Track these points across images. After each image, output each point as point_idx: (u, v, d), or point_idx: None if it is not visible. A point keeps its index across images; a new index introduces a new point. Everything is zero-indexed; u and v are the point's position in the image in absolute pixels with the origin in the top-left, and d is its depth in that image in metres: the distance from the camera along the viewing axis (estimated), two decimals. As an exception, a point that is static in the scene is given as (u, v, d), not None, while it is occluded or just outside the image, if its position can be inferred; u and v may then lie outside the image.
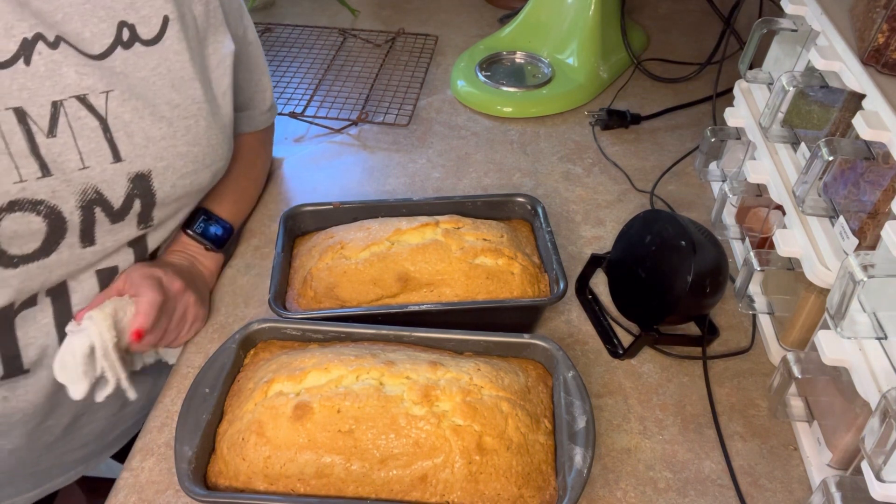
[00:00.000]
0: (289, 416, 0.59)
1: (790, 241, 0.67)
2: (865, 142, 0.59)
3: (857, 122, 0.58)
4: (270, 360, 0.66)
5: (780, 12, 0.77)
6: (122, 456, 0.69)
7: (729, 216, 0.85)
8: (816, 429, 0.65)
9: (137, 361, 0.77)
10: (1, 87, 0.59)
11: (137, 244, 0.73)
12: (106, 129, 0.64)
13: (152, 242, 0.75)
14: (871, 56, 0.60)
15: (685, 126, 1.09)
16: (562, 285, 0.72)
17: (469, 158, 1.02)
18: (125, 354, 0.70)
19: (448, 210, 0.82)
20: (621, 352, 0.76)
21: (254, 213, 0.93)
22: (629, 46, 1.19)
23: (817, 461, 0.65)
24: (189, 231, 0.79)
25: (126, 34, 0.65)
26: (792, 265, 0.69)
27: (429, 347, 0.68)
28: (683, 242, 0.70)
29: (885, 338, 0.55)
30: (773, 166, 0.73)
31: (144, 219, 0.70)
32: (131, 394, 0.70)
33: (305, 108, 1.10)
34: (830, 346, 0.57)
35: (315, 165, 1.01)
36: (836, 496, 0.54)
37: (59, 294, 0.70)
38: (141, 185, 0.67)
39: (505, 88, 1.12)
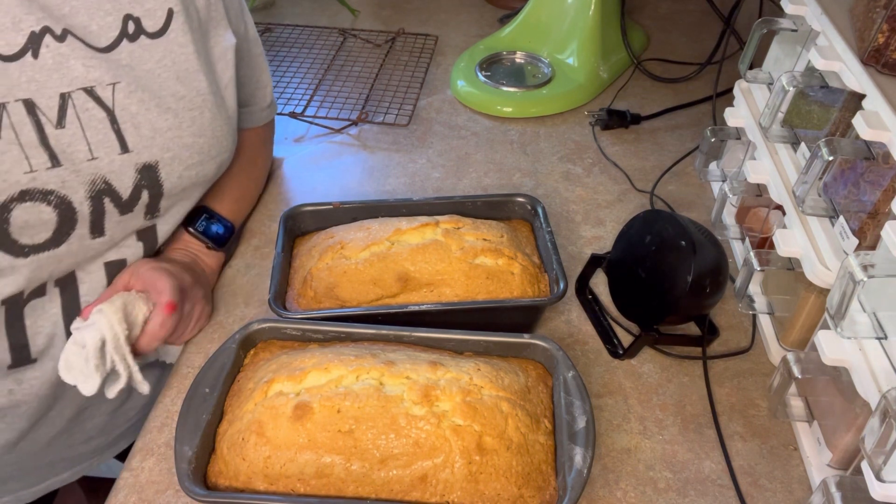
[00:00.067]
0: (289, 416, 0.59)
1: (790, 241, 0.67)
2: (865, 142, 0.59)
3: (857, 122, 0.58)
4: (270, 360, 0.66)
5: (780, 12, 0.77)
6: (124, 456, 0.69)
7: (729, 216, 0.85)
8: (816, 429, 0.65)
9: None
10: (9, 80, 0.60)
11: (146, 237, 0.74)
12: (113, 121, 0.65)
13: (161, 235, 0.76)
14: (871, 56, 0.60)
15: (685, 126, 1.09)
16: (562, 285, 0.72)
17: (469, 158, 1.02)
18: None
19: (448, 210, 0.82)
20: (621, 352, 0.76)
21: (254, 213, 0.93)
22: (629, 46, 1.19)
23: (817, 461, 0.65)
24: (191, 229, 0.79)
25: (132, 27, 0.66)
26: (792, 265, 0.69)
27: (429, 347, 0.68)
28: (683, 242, 0.70)
29: (885, 338, 0.55)
30: (773, 166, 0.73)
31: (152, 209, 0.71)
32: (144, 388, 0.69)
33: (305, 108, 1.10)
34: (830, 346, 0.57)
35: (315, 165, 1.01)
36: (836, 496, 0.54)
37: (67, 284, 0.71)
38: (148, 176, 0.69)
39: (505, 88, 1.12)
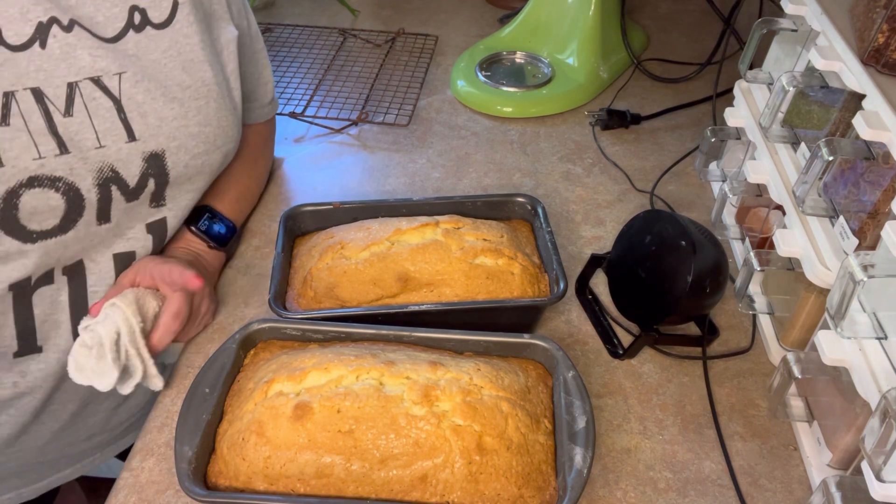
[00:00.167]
0: (289, 416, 0.59)
1: (790, 241, 0.67)
2: (865, 142, 0.59)
3: (857, 122, 0.58)
4: (270, 360, 0.66)
5: (780, 12, 0.77)
6: (125, 456, 0.69)
7: (729, 216, 0.85)
8: (816, 429, 0.65)
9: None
10: (18, 69, 0.62)
11: (156, 229, 0.74)
12: (120, 110, 0.66)
13: (171, 227, 0.76)
14: (871, 56, 0.60)
15: (685, 126, 1.09)
16: (562, 285, 0.72)
17: (469, 158, 1.02)
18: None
19: (448, 210, 0.82)
20: (621, 352, 0.76)
21: (254, 213, 0.93)
22: (629, 46, 1.19)
23: (817, 461, 0.65)
24: (193, 228, 0.80)
25: (137, 18, 0.67)
26: (792, 265, 0.69)
27: (429, 347, 0.68)
28: (683, 242, 0.70)
29: (885, 338, 0.55)
30: (773, 166, 0.73)
31: (157, 198, 0.72)
32: (159, 382, 0.69)
33: (305, 108, 1.10)
34: (830, 346, 0.57)
35: (315, 165, 1.01)
36: (836, 496, 0.54)
37: (75, 274, 0.71)
38: (155, 165, 0.70)
39: (505, 88, 1.12)
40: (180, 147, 0.70)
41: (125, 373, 0.67)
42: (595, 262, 0.83)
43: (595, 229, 0.91)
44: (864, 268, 0.51)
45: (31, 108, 0.62)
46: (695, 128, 1.09)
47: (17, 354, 0.71)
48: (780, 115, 0.74)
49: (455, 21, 1.36)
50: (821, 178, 0.64)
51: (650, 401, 0.72)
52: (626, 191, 0.97)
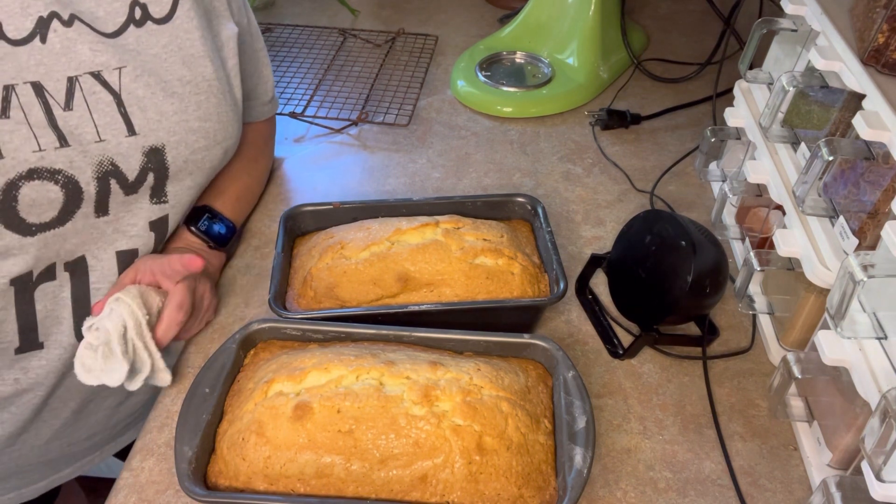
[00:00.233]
0: (289, 416, 0.59)
1: (790, 241, 0.67)
2: (865, 142, 0.59)
3: (857, 122, 0.58)
4: (270, 360, 0.66)
5: (780, 12, 0.77)
6: (125, 455, 0.70)
7: (729, 216, 0.85)
8: (816, 429, 0.65)
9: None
10: (18, 63, 0.62)
11: (158, 227, 0.75)
12: (120, 104, 0.67)
13: (172, 224, 0.76)
14: (871, 56, 0.60)
15: (685, 126, 1.09)
16: (562, 285, 0.72)
17: (469, 158, 1.02)
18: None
19: (448, 210, 0.82)
20: (621, 352, 0.76)
21: (254, 213, 0.93)
22: (629, 46, 1.19)
23: (817, 461, 0.64)
24: (193, 228, 0.80)
25: (138, 13, 0.68)
26: (792, 265, 0.69)
27: (429, 347, 0.68)
28: (683, 242, 0.70)
29: (885, 338, 0.55)
30: (773, 166, 0.73)
31: (157, 193, 0.72)
32: (167, 377, 0.69)
33: (305, 108, 1.10)
34: (830, 346, 0.57)
35: (315, 165, 1.01)
36: (836, 496, 0.54)
37: (77, 270, 0.71)
38: (155, 159, 0.70)
39: (505, 88, 1.12)
40: (180, 142, 0.71)
41: (132, 368, 0.66)
42: (595, 262, 0.83)
43: (595, 229, 0.91)
44: (864, 268, 0.51)
45: (31, 102, 0.63)
46: (695, 128, 1.09)
47: (19, 351, 0.72)
48: (780, 115, 0.74)
49: (455, 21, 1.36)
50: (821, 178, 0.64)
51: (650, 401, 0.72)
52: (626, 191, 0.97)
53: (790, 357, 0.61)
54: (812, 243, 0.64)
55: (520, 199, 0.84)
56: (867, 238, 0.60)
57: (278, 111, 1.03)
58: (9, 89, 0.61)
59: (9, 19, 0.61)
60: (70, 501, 1.06)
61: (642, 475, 0.66)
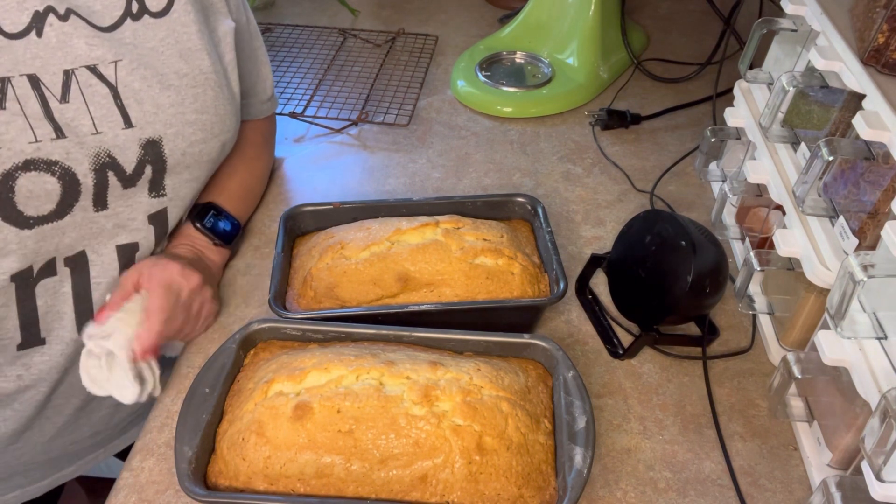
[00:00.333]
0: (289, 416, 0.59)
1: (790, 241, 0.67)
2: (865, 142, 0.59)
3: (857, 122, 0.58)
4: (270, 360, 0.66)
5: (780, 12, 0.77)
6: (125, 456, 0.70)
7: (729, 216, 0.85)
8: (816, 429, 0.65)
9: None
10: (14, 55, 0.62)
11: (157, 220, 0.74)
12: (116, 97, 0.67)
13: (172, 219, 0.76)
14: (871, 56, 0.60)
15: (685, 126, 1.09)
16: (562, 285, 0.72)
17: (469, 158, 1.02)
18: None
19: (448, 210, 0.82)
20: (621, 352, 0.76)
21: (254, 213, 0.93)
22: (629, 46, 1.19)
23: (817, 461, 0.64)
24: (198, 224, 0.80)
25: (135, 6, 0.68)
26: (792, 265, 0.69)
27: (429, 347, 0.68)
28: (683, 242, 0.70)
29: (885, 338, 0.55)
30: (773, 166, 0.73)
31: (156, 186, 0.72)
32: (158, 391, 0.70)
33: (305, 108, 1.10)
34: (830, 346, 0.57)
35: (315, 165, 1.01)
36: (836, 496, 0.54)
37: (77, 265, 0.71)
38: (152, 152, 0.70)
39: (505, 88, 1.12)
40: (177, 134, 0.71)
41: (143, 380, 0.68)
42: (595, 262, 0.83)
43: (595, 229, 0.91)
44: (864, 268, 0.51)
45: (27, 94, 0.63)
46: (695, 128, 1.09)
47: (21, 347, 0.72)
48: (780, 115, 0.74)
49: (455, 21, 1.36)
50: (821, 178, 0.64)
51: (650, 401, 0.72)
52: (626, 191, 0.97)
53: (790, 357, 0.61)
54: (812, 243, 0.64)
55: (520, 199, 0.84)
56: (867, 238, 0.60)
57: (278, 111, 1.03)
58: (4, 81, 0.62)
59: (4, 13, 0.62)
60: (71, 501, 1.06)
61: (642, 475, 0.66)
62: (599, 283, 0.83)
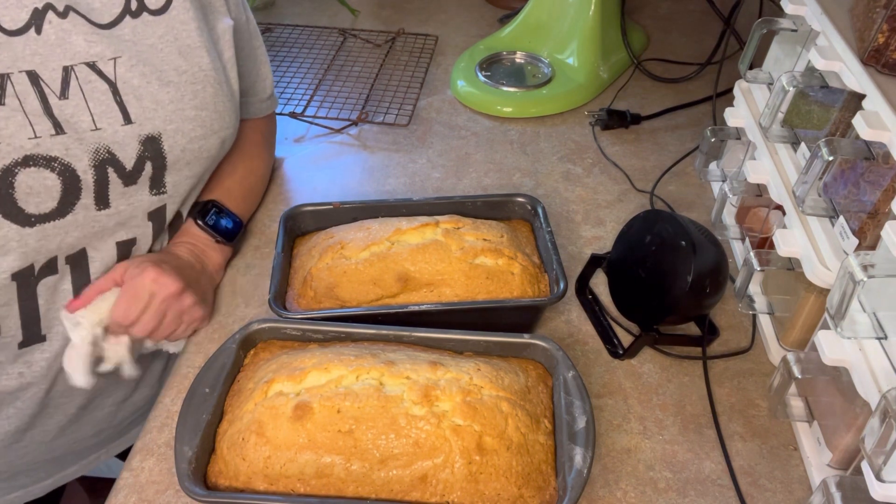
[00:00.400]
0: (289, 416, 0.59)
1: (790, 241, 0.67)
2: (865, 142, 0.59)
3: (857, 122, 0.58)
4: (270, 360, 0.66)
5: (780, 12, 0.77)
6: (125, 456, 0.70)
7: (729, 216, 0.85)
8: (816, 429, 0.65)
9: (136, 350, 0.77)
10: (13, 52, 0.63)
11: (156, 217, 0.75)
12: (115, 93, 0.67)
13: (170, 215, 0.76)
14: (871, 56, 0.60)
15: (685, 126, 1.09)
16: (562, 285, 0.72)
17: (469, 158, 1.02)
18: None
19: (448, 210, 0.82)
20: (621, 352, 0.76)
21: (254, 213, 0.93)
22: (629, 46, 1.19)
23: (817, 461, 0.65)
24: (200, 222, 0.80)
25: (134, 4, 0.68)
26: (792, 265, 0.69)
27: (429, 347, 0.68)
28: (683, 242, 0.70)
29: (885, 338, 0.55)
30: (773, 166, 0.73)
31: (156, 183, 0.72)
32: (131, 370, 0.74)
33: (305, 108, 1.10)
34: (830, 346, 0.57)
35: (315, 165, 1.01)
36: (836, 496, 0.54)
37: (78, 262, 0.71)
38: (152, 148, 0.70)
39: (505, 88, 1.12)
40: (177, 130, 0.71)
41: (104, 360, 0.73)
42: (595, 262, 0.83)
43: (595, 229, 0.91)
44: (864, 268, 0.51)
45: (27, 90, 0.63)
46: (695, 128, 1.09)
47: (22, 345, 0.72)
48: (780, 115, 0.74)
49: (455, 21, 1.36)
50: (821, 178, 0.64)
51: (650, 401, 0.72)
52: (626, 191, 0.97)
53: (790, 357, 0.61)
54: (812, 243, 0.64)
55: (520, 199, 0.84)
56: (867, 238, 0.60)
57: (278, 111, 1.03)
58: (4, 78, 0.62)
59: (4, 10, 0.62)
60: (73, 501, 1.06)
61: (642, 475, 0.66)
62: (599, 283, 0.83)
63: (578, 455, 0.59)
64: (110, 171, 0.68)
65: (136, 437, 0.70)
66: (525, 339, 0.68)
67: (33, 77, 0.63)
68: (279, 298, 0.74)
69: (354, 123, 1.08)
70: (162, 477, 0.65)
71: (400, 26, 1.32)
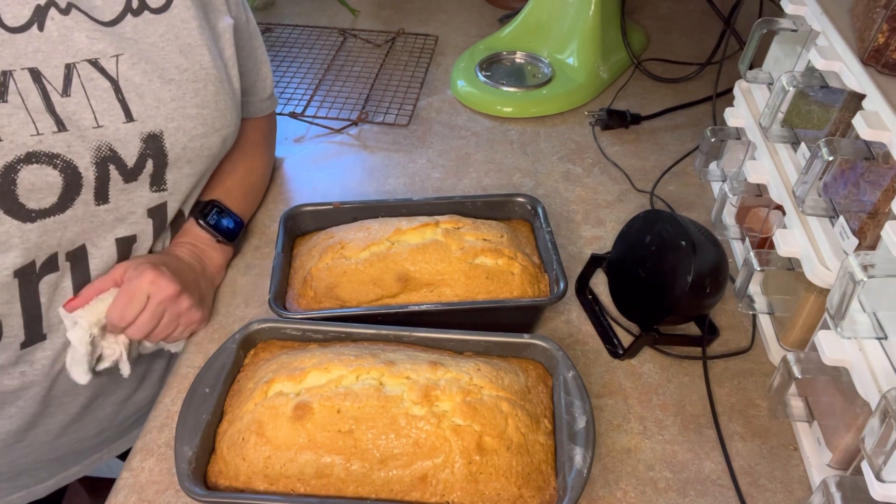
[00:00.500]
0: (289, 416, 0.59)
1: (790, 241, 0.67)
2: (865, 142, 0.59)
3: (857, 122, 0.58)
4: (270, 360, 0.66)
5: (780, 12, 0.77)
6: (126, 456, 0.70)
7: (729, 216, 0.85)
8: (816, 429, 0.65)
9: (134, 349, 0.77)
10: (16, 49, 0.63)
11: (156, 214, 0.75)
12: (117, 91, 0.67)
13: (171, 212, 0.76)
14: (871, 56, 0.60)
15: (685, 126, 1.09)
16: (562, 285, 0.72)
17: (469, 158, 1.02)
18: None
19: (448, 210, 0.82)
20: (621, 352, 0.76)
21: (254, 213, 0.93)
22: (629, 46, 1.19)
23: (817, 461, 0.65)
24: (201, 222, 0.80)
25: (135, 2, 0.69)
26: (792, 265, 0.69)
27: (429, 347, 0.68)
28: (683, 242, 0.70)
29: (885, 338, 0.55)
30: (773, 166, 0.73)
31: (157, 181, 0.72)
32: (126, 369, 0.74)
33: (305, 108, 1.10)
34: (830, 346, 0.57)
35: (315, 165, 1.01)
36: (836, 496, 0.54)
37: (78, 258, 0.72)
38: (153, 146, 0.70)
39: (505, 88, 1.12)
40: (178, 128, 0.71)
41: (102, 358, 0.73)
42: (595, 262, 0.83)
43: (595, 229, 0.91)
44: (864, 268, 0.51)
45: (29, 87, 0.63)
46: (695, 128, 1.09)
47: (25, 345, 0.72)
48: (780, 115, 0.74)
49: (455, 21, 1.36)
50: (821, 178, 0.64)
51: (650, 401, 0.72)
52: (626, 191, 0.97)
53: (790, 357, 0.61)
54: (812, 243, 0.64)
55: (520, 199, 0.84)
56: (867, 238, 0.60)
57: (279, 111, 1.03)
58: (6, 75, 0.62)
59: (6, 7, 0.62)
60: (75, 502, 1.06)
61: (642, 475, 0.66)
62: (599, 283, 0.83)
63: (578, 455, 0.59)
64: (112, 168, 0.69)
65: (137, 437, 0.70)
66: (525, 339, 0.68)
67: (35, 74, 0.63)
68: (279, 298, 0.74)
69: (354, 123, 1.08)
70: (162, 477, 0.65)
71: (400, 26, 1.32)
